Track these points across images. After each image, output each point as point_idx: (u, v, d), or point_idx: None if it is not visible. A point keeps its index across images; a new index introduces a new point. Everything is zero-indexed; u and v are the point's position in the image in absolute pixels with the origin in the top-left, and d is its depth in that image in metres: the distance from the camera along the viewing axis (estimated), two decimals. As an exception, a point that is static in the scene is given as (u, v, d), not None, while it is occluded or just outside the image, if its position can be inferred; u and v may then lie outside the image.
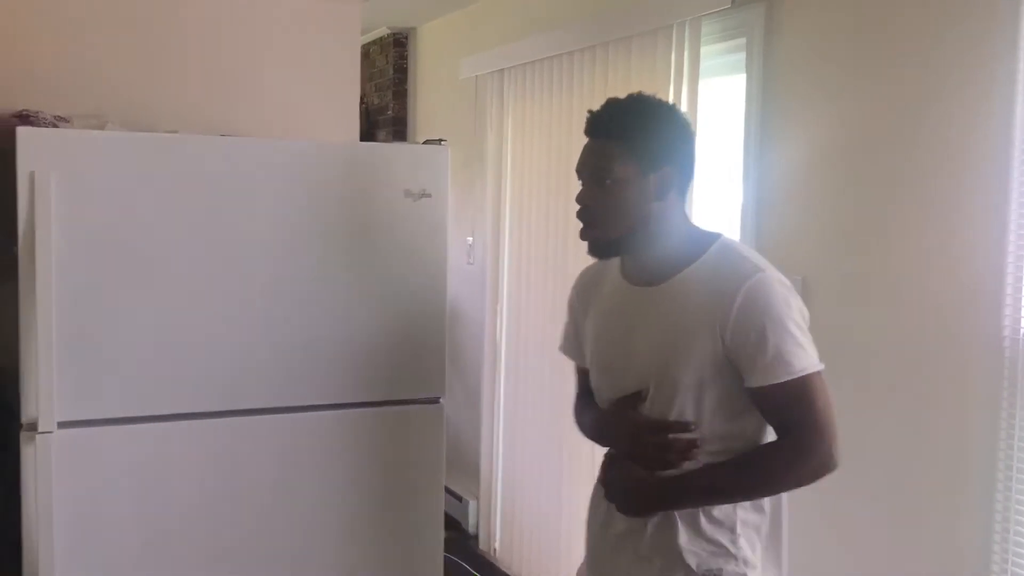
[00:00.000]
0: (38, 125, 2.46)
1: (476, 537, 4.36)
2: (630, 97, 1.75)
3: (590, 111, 1.76)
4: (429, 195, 2.51)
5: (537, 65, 3.67)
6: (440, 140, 2.55)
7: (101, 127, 2.63)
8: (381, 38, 5.14)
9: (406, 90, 5.09)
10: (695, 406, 1.66)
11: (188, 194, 2.29)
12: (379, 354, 2.46)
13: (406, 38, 5.08)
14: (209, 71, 3.00)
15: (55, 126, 2.52)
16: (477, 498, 4.34)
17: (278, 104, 3.08)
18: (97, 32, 2.85)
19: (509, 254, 3.97)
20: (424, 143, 2.55)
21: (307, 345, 2.40)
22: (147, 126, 2.80)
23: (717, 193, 2.93)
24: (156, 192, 2.26)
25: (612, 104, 1.74)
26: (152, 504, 2.29)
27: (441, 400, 2.55)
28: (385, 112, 5.13)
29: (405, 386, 2.51)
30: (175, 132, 2.69)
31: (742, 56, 2.75)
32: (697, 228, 1.78)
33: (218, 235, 2.31)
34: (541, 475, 3.72)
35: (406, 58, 5.09)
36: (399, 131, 5.09)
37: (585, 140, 1.76)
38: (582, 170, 1.75)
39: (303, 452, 2.42)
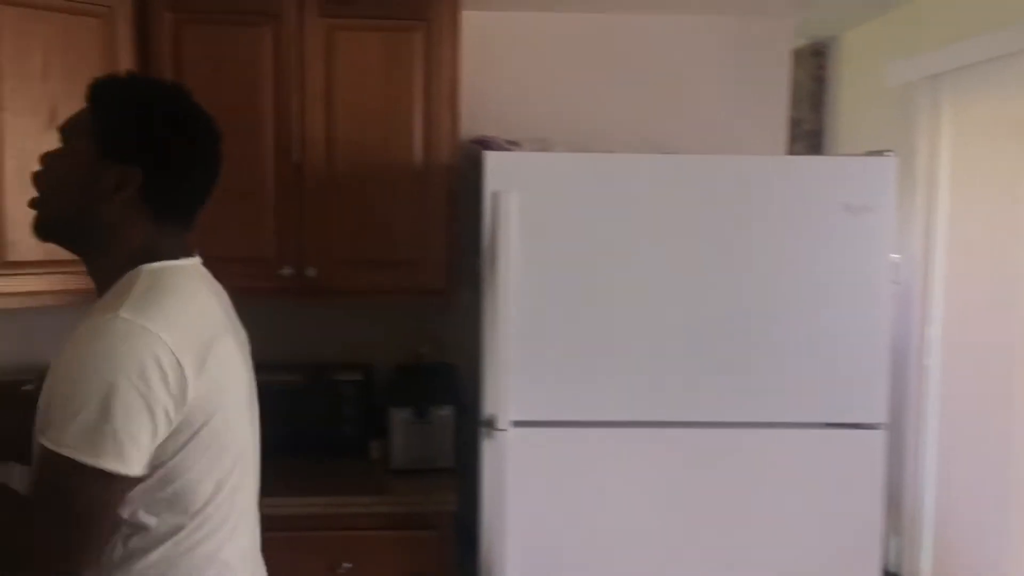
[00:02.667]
0: (492, 149, 2.70)
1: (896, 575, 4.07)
2: (142, 76, 1.55)
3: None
4: (870, 209, 2.39)
5: (986, 66, 3.36)
6: (885, 151, 2.42)
7: (547, 149, 2.83)
8: (798, 49, 5.00)
9: (823, 101, 4.91)
10: None
11: (633, 209, 2.37)
12: (817, 374, 2.39)
13: (826, 48, 4.90)
14: (641, 91, 3.11)
15: (506, 149, 2.75)
16: (899, 533, 4.05)
17: (706, 120, 3.12)
18: (542, 63, 3.07)
19: (943, 272, 3.67)
20: (867, 155, 2.43)
21: (748, 361, 2.39)
22: (586, 146, 2.97)
23: None
24: (605, 208, 2.37)
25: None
26: (597, 505, 2.40)
27: (882, 427, 2.41)
28: (800, 126, 4.98)
29: (843, 409, 2.41)
30: (612, 152, 2.82)
31: None
32: (157, 253, 1.43)
33: (661, 249, 2.38)
34: (980, 508, 3.39)
35: (824, 68, 4.91)
36: (814, 144, 4.92)
37: None
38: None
39: (740, 468, 2.41)
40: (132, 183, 1.40)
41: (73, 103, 1.49)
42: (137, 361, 1.26)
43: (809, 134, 4.96)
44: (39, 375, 1.40)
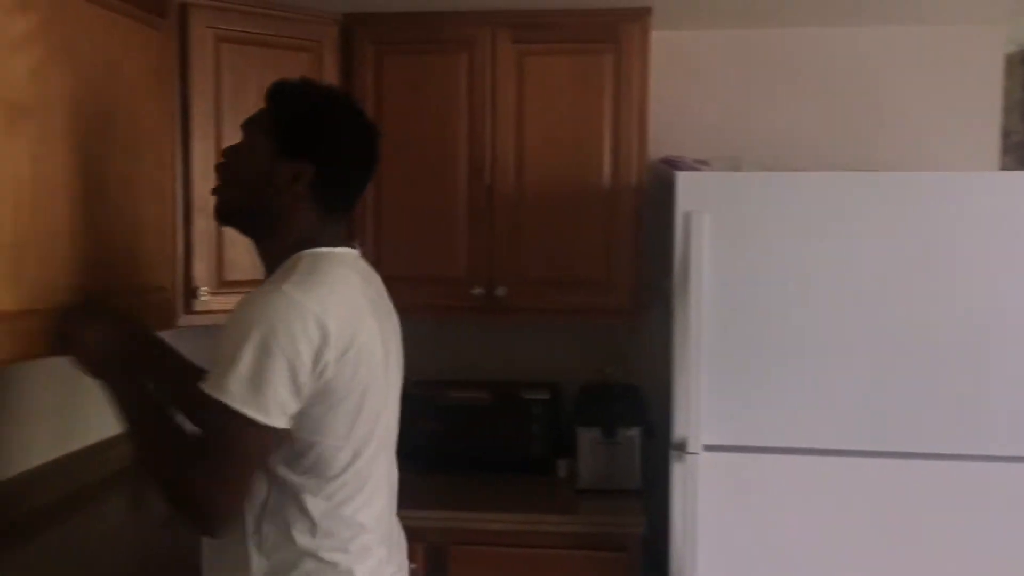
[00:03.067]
0: (681, 168, 2.67)
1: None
2: (317, 82, 1.66)
3: None
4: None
5: None
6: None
7: (738, 168, 2.78)
8: (1008, 55, 4.70)
9: (1035, 111, 4.58)
10: None
11: (832, 230, 2.29)
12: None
13: (1037, 54, 4.58)
14: (836, 106, 3.00)
15: (696, 169, 2.72)
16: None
17: (908, 136, 2.98)
18: (731, 80, 3.02)
19: None
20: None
21: (963, 391, 2.26)
22: (778, 165, 2.89)
23: None
24: (800, 229, 2.30)
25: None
26: (794, 536, 2.32)
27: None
28: (1009, 137, 4.67)
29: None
30: (805, 170, 2.74)
31: None
32: (318, 241, 1.58)
33: (860, 271, 2.29)
34: None
35: (1036, 76, 4.58)
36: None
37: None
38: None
39: (950, 502, 2.28)
40: (305, 177, 1.54)
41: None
42: (289, 328, 1.40)
43: (1018, 146, 4.64)
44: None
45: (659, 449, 2.71)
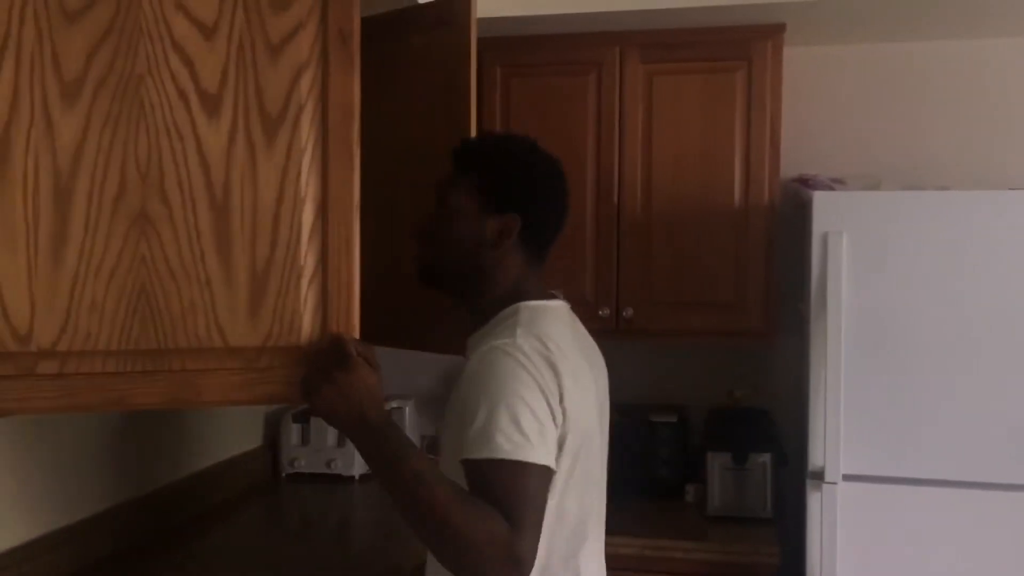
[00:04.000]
0: (816, 188, 2.59)
1: None
2: (498, 133, 1.69)
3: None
4: None
5: None
6: None
7: (876, 187, 2.68)
8: None
9: None
10: None
11: (975, 251, 2.20)
12: None
13: None
14: (974, 122, 2.87)
15: (832, 188, 2.64)
16: None
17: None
18: (866, 95, 2.93)
19: None
20: None
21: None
22: (915, 183, 2.78)
23: None
24: (941, 249, 2.21)
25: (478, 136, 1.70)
26: (938, 573, 2.22)
27: None
28: None
29: None
30: (945, 188, 2.63)
31: None
32: (528, 292, 1.58)
33: (1008, 294, 2.18)
34: None
35: None
36: None
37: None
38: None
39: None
40: (513, 229, 1.56)
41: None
42: (533, 380, 1.41)
43: None
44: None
45: (792, 477, 2.64)
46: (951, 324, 2.20)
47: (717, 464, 2.62)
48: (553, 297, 1.63)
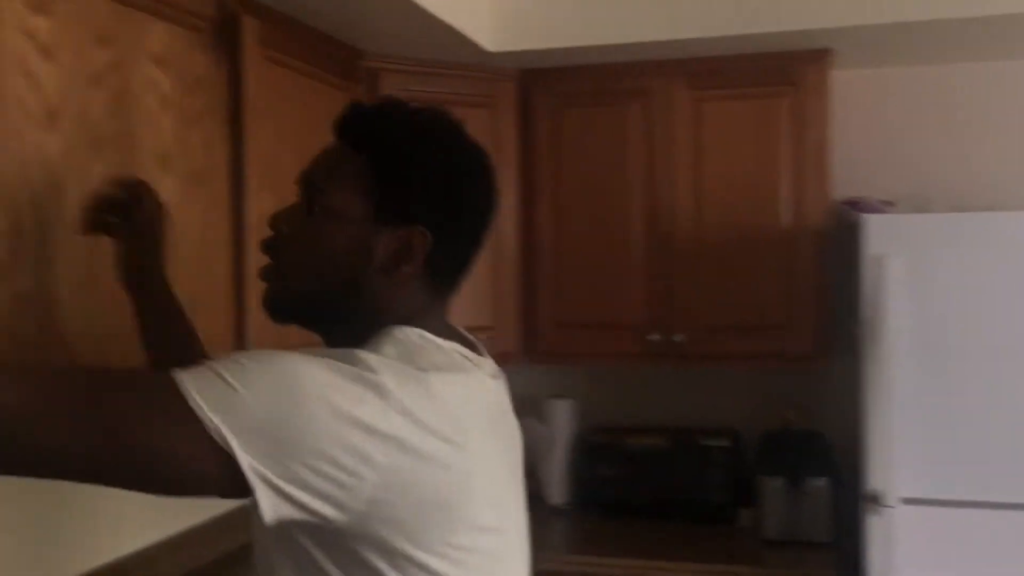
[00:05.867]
0: (866, 210, 2.59)
1: None
2: (401, 102, 1.13)
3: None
4: None
5: None
6: None
7: (926, 209, 2.67)
8: None
9: None
10: None
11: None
12: None
13: None
14: (1020, 142, 2.85)
15: (881, 210, 2.64)
16: None
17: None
18: (914, 117, 2.92)
19: None
20: None
21: None
22: (966, 204, 2.76)
23: None
24: (995, 271, 2.21)
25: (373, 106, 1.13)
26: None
27: None
28: None
29: None
30: (997, 209, 2.61)
31: None
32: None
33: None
34: None
35: None
36: None
37: None
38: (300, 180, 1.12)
39: None
40: (418, 249, 1.07)
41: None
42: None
43: None
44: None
45: (848, 500, 2.62)
46: (1004, 344, 2.19)
47: (772, 488, 2.61)
48: (457, 338, 1.11)
